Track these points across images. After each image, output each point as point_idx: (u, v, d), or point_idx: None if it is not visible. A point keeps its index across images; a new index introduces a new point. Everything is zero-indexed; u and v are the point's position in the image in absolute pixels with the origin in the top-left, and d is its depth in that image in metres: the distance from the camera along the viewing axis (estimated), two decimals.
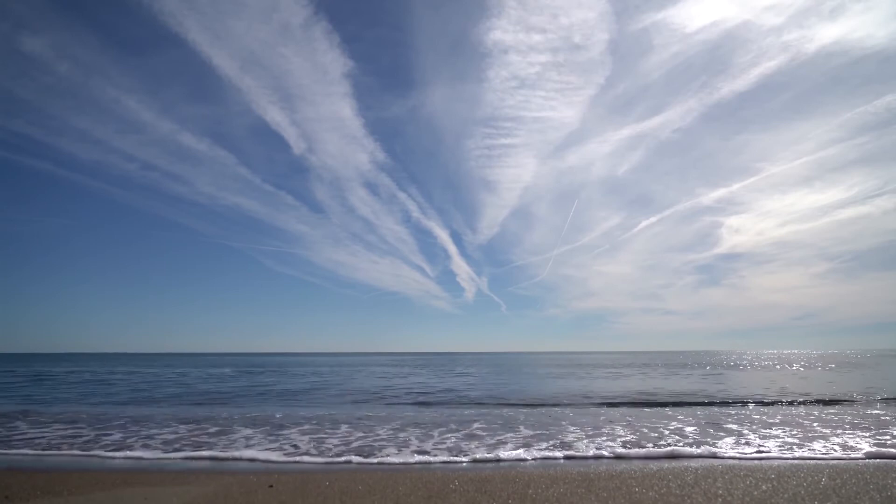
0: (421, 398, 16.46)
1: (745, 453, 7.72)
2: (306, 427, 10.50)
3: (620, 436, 9.32)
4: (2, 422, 11.65)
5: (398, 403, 15.11)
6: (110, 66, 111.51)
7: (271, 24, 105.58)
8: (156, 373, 34.92)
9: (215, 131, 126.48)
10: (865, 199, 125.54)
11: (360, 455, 7.71)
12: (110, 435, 9.71)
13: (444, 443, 8.78)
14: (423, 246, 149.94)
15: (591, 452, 7.80)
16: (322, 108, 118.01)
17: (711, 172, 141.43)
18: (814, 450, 7.95)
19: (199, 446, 8.52)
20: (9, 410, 13.82)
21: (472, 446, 8.44)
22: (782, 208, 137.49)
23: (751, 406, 14.15)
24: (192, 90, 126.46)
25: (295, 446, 8.48)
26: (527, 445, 8.43)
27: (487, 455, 7.67)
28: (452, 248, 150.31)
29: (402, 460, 7.38)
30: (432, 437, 9.33)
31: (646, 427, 10.36)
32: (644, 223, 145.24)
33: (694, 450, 7.93)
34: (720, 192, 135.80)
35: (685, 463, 7.14)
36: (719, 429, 10.15)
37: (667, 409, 13.67)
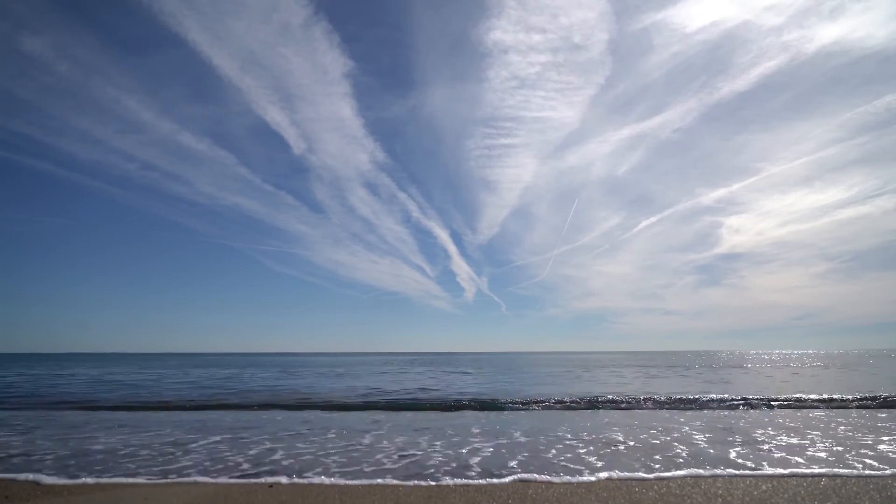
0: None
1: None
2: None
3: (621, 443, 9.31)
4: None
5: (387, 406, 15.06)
6: (110, 66, 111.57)
7: (271, 24, 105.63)
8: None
9: (215, 131, 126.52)
10: (865, 199, 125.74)
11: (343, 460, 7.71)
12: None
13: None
14: (423, 246, 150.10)
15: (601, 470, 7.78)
16: (322, 108, 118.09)
17: (711, 172, 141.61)
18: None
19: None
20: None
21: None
22: (782, 208, 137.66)
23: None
24: (192, 90, 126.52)
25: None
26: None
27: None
28: (452, 248, 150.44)
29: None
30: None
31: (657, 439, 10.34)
32: (644, 223, 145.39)
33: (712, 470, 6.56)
34: (720, 192, 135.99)
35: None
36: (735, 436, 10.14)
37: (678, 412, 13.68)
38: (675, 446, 8.16)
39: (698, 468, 6.56)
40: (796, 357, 71.12)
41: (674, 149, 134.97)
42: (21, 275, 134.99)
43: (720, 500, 5.13)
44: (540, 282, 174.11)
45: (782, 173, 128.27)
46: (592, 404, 14.28)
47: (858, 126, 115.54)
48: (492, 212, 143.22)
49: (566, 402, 14.73)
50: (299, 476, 6.28)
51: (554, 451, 7.82)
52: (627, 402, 14.56)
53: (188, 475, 6.42)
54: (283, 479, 6.11)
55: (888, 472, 6.40)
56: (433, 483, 5.93)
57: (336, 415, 12.80)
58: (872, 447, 8.02)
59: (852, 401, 14.69)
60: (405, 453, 7.75)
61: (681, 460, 7.06)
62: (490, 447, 8.21)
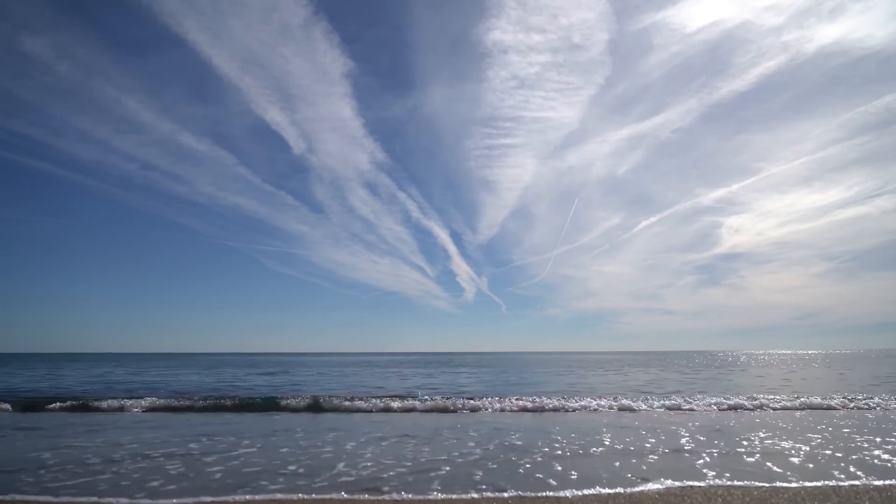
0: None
1: None
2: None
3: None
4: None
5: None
6: (110, 66, 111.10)
7: (271, 24, 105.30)
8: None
9: (215, 131, 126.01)
10: (865, 199, 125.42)
11: None
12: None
13: None
14: (423, 246, 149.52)
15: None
16: (322, 108, 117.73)
17: (711, 172, 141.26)
18: None
19: None
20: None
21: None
22: (782, 208, 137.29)
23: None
24: (192, 90, 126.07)
25: None
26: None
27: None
28: (452, 248, 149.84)
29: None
30: None
31: None
32: (644, 223, 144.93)
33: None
34: (720, 192, 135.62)
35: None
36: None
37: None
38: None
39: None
40: (788, 357, 71.22)
41: (674, 149, 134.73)
42: (21, 275, 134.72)
43: (720, 500, 5.14)
44: (540, 282, 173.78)
45: (782, 173, 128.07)
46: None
47: (858, 126, 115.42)
48: (492, 212, 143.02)
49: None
50: None
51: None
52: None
53: None
54: None
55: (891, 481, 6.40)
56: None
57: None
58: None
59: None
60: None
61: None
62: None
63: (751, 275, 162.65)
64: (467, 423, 11.10)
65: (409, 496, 5.45)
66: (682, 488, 5.61)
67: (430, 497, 5.42)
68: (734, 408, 13.66)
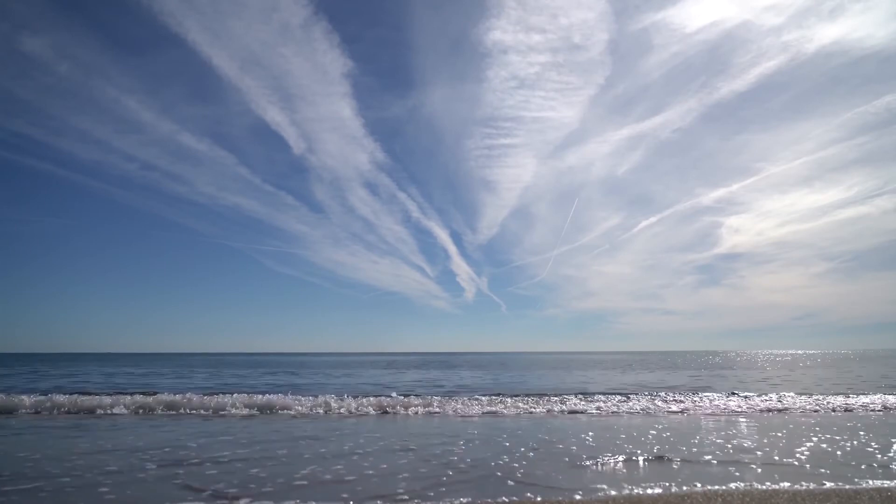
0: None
1: None
2: None
3: None
4: None
5: None
6: (110, 66, 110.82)
7: (271, 24, 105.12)
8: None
9: (215, 131, 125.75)
10: (865, 199, 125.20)
11: None
12: None
13: None
14: (423, 246, 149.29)
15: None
16: (322, 108, 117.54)
17: (711, 172, 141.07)
18: None
19: None
20: None
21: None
22: (782, 208, 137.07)
23: None
24: (192, 90, 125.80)
25: None
26: None
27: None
28: (452, 248, 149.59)
29: None
30: None
31: None
32: (644, 223, 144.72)
33: None
34: (720, 192, 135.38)
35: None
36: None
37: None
38: None
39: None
40: (800, 357, 71.28)
41: (674, 149, 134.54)
42: (21, 275, 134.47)
43: (720, 500, 5.14)
44: (540, 282, 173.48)
45: (782, 173, 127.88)
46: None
47: (858, 126, 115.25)
48: (492, 212, 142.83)
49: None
50: None
51: None
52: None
53: None
54: None
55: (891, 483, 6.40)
56: None
57: None
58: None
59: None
60: None
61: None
62: None
63: (751, 275, 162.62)
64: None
65: (417, 502, 5.45)
66: (683, 490, 5.60)
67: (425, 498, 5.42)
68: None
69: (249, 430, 10.36)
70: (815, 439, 8.91)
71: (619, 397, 15.61)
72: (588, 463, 7.07)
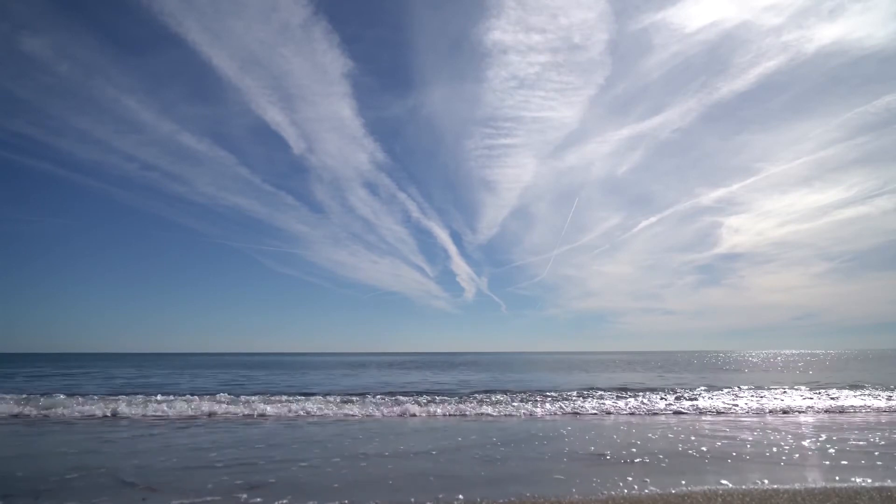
0: None
1: None
2: None
3: None
4: None
5: None
6: (110, 66, 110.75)
7: (271, 24, 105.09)
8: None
9: (215, 131, 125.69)
10: (865, 199, 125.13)
11: None
12: None
13: None
14: (423, 246, 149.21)
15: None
16: (322, 108, 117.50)
17: (711, 172, 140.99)
18: None
19: None
20: None
21: None
22: (782, 208, 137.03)
23: None
24: (192, 90, 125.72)
25: None
26: None
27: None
28: (452, 248, 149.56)
29: None
30: None
31: None
32: (644, 223, 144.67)
33: None
34: (720, 192, 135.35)
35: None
36: None
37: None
38: None
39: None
40: (807, 356, 71.27)
41: (673, 149, 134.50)
42: (21, 275, 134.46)
43: (720, 500, 5.19)
44: (540, 282, 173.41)
45: (782, 173, 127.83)
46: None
47: (858, 126, 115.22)
48: (492, 212, 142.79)
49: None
50: None
51: None
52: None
53: None
54: None
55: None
56: None
57: None
58: None
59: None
60: None
61: None
62: None
63: (751, 275, 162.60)
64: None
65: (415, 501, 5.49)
66: (683, 490, 5.66)
67: (428, 501, 5.48)
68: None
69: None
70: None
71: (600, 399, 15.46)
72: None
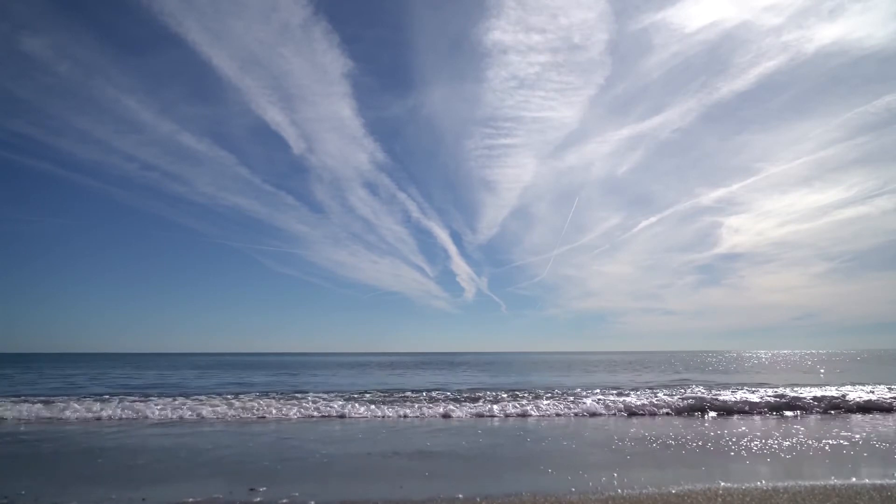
0: None
1: None
2: None
3: None
4: None
5: None
6: (110, 66, 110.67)
7: (271, 24, 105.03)
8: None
9: (215, 131, 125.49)
10: (865, 199, 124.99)
11: None
12: None
13: None
14: (423, 246, 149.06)
15: None
16: (322, 108, 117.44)
17: (711, 172, 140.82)
18: None
19: None
20: None
21: None
22: (782, 208, 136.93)
23: None
24: (192, 90, 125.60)
25: None
26: None
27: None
28: (452, 248, 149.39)
29: None
30: None
31: None
32: (644, 223, 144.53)
33: None
34: (720, 192, 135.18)
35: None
36: None
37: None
38: None
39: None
40: (813, 356, 71.26)
41: (673, 149, 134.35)
42: (21, 275, 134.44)
43: (720, 500, 5.21)
44: (540, 282, 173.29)
45: (782, 173, 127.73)
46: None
47: (858, 126, 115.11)
48: (492, 212, 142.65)
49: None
50: None
51: None
52: None
53: None
54: None
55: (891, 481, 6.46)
56: None
57: None
58: None
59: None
60: None
61: None
62: None
63: (751, 275, 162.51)
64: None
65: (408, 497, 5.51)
66: (683, 489, 5.67)
67: (429, 496, 5.49)
68: None
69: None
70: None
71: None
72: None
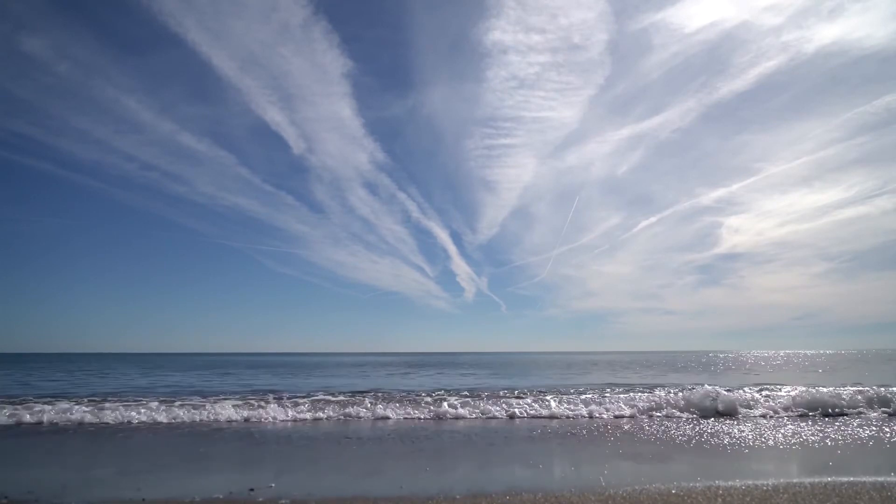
0: None
1: None
2: None
3: None
4: None
5: None
6: (110, 66, 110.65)
7: (271, 24, 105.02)
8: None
9: (215, 131, 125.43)
10: (865, 199, 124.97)
11: None
12: None
13: None
14: (423, 246, 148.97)
15: None
16: (321, 108, 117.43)
17: (711, 172, 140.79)
18: None
19: None
20: None
21: None
22: (782, 208, 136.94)
23: None
24: (192, 90, 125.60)
25: None
26: None
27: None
28: (452, 248, 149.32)
29: None
30: None
31: None
32: (644, 223, 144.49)
33: None
34: (720, 192, 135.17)
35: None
36: None
37: None
38: None
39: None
40: (818, 356, 71.28)
41: (673, 149, 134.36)
42: (21, 275, 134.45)
43: (720, 500, 5.20)
44: (540, 282, 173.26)
45: (782, 173, 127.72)
46: None
47: (858, 126, 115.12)
48: (492, 212, 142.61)
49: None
50: None
51: None
52: None
53: None
54: None
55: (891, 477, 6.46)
56: None
57: None
58: None
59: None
60: None
61: None
62: None
63: (751, 275, 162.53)
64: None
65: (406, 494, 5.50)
66: (683, 487, 5.67)
67: (428, 492, 5.49)
68: None
69: None
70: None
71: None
72: None
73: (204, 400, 14.91)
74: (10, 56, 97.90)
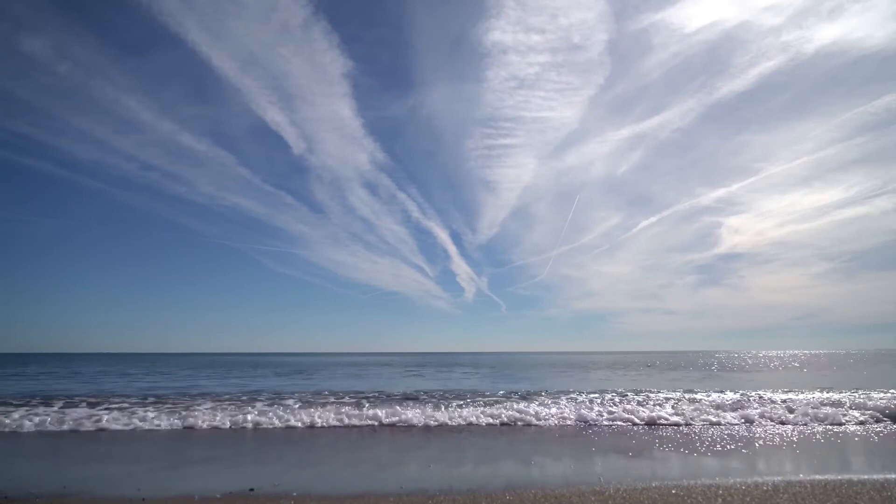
0: None
1: None
2: None
3: None
4: None
5: None
6: (110, 66, 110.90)
7: (271, 24, 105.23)
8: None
9: (215, 131, 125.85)
10: (865, 199, 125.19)
11: None
12: None
13: None
14: (423, 246, 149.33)
15: None
16: (321, 108, 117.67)
17: (711, 172, 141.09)
18: None
19: None
20: None
21: None
22: (782, 208, 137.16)
23: None
24: (192, 90, 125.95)
25: None
26: None
27: None
28: (452, 248, 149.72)
29: None
30: None
31: None
32: (644, 223, 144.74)
33: None
34: (720, 192, 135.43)
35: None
36: None
37: None
38: None
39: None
40: (823, 356, 71.22)
41: (673, 149, 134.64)
42: (20, 275, 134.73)
43: (720, 500, 5.20)
44: (540, 282, 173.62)
45: (782, 173, 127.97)
46: None
47: (858, 126, 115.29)
48: (491, 212, 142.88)
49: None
50: None
51: None
52: None
53: None
54: None
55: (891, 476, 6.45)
56: None
57: None
58: None
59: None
60: None
61: None
62: None
63: (751, 275, 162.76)
64: None
65: (407, 490, 5.50)
66: (683, 486, 5.66)
67: (427, 489, 5.48)
68: None
69: None
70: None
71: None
72: None
73: (204, 400, 14.98)
74: (10, 56, 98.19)
